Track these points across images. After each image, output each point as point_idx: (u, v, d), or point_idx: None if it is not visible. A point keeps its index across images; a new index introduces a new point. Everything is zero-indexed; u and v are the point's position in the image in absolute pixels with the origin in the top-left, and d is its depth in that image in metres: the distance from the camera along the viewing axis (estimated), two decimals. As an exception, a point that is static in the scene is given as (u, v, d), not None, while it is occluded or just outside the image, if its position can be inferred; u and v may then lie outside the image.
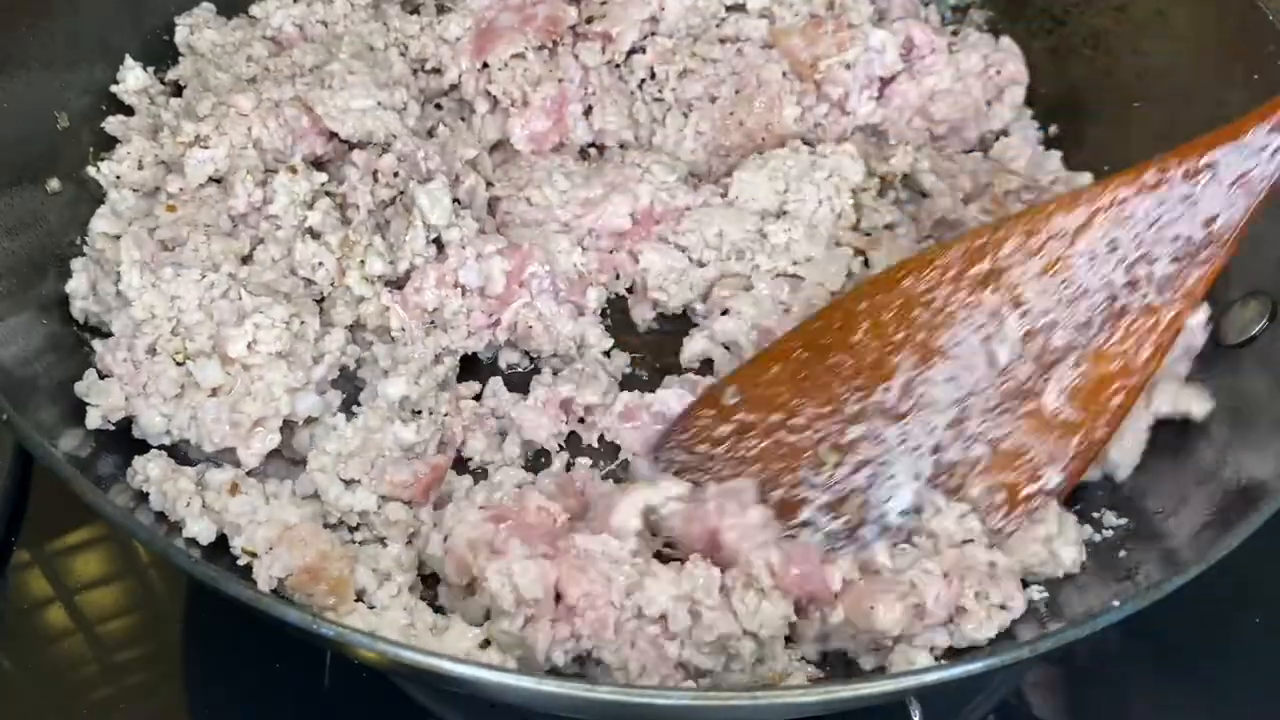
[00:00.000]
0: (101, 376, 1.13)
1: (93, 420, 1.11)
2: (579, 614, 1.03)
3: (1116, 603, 0.96)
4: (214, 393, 1.12)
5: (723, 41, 1.43)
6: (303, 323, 1.16)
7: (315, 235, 1.22)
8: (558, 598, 1.04)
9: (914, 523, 1.14)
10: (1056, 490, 1.14)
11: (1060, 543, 1.11)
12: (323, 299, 1.23)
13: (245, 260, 1.21)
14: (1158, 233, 1.11)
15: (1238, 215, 1.10)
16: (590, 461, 1.25)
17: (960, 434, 1.15)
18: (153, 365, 1.12)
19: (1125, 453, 1.18)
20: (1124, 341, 1.13)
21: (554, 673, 1.04)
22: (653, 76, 1.44)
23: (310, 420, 1.17)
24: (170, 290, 1.14)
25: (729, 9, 1.45)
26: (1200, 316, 1.19)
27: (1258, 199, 1.09)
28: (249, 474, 1.13)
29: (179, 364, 1.13)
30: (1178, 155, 1.11)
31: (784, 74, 1.42)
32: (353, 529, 1.15)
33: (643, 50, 1.43)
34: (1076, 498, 1.18)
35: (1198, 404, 1.17)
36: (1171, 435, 1.18)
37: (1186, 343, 1.20)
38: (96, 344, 1.16)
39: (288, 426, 1.15)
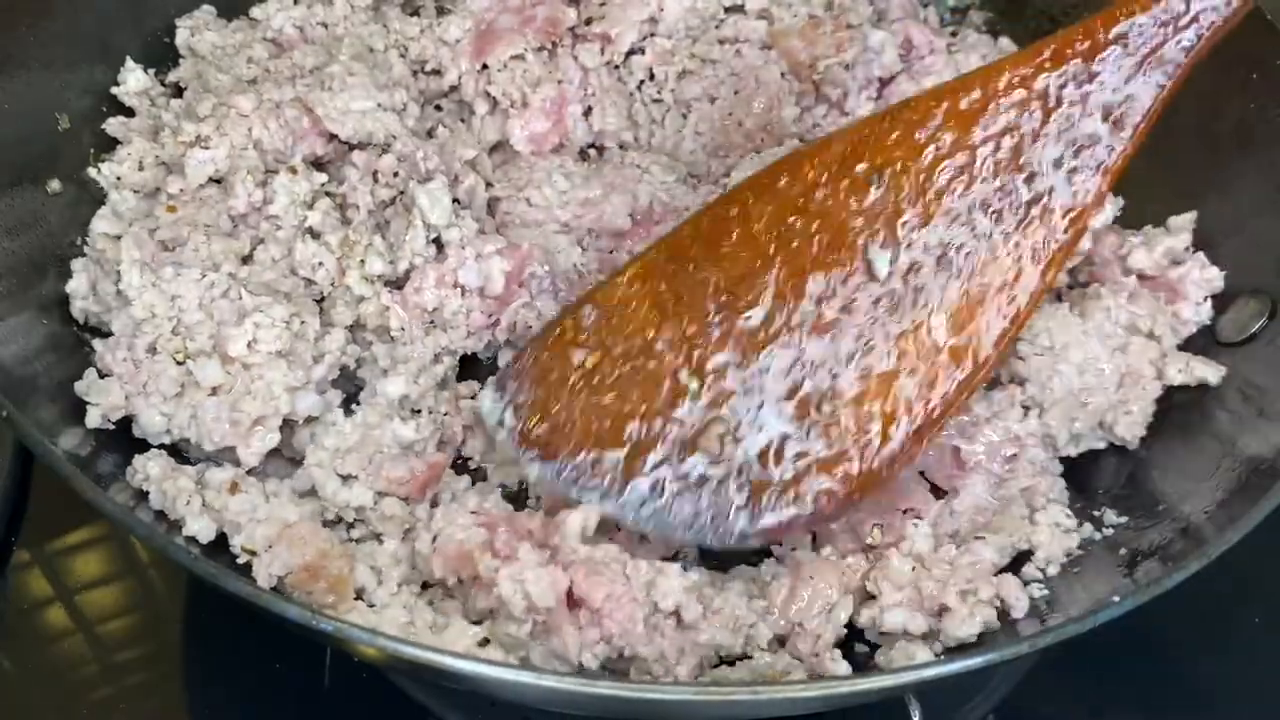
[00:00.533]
0: (101, 375, 1.13)
1: (93, 419, 1.11)
2: (606, 615, 1.03)
3: (1116, 598, 0.96)
4: (214, 392, 1.12)
5: (721, 42, 1.44)
6: (303, 322, 1.16)
7: (315, 235, 1.22)
8: (572, 604, 1.04)
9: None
10: (930, 420, 1.04)
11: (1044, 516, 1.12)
12: (323, 299, 1.23)
13: (245, 260, 1.21)
14: (1059, 119, 1.02)
15: (1149, 96, 1.00)
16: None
17: (833, 356, 1.05)
18: (153, 364, 1.13)
19: (1133, 423, 1.18)
20: (1019, 248, 1.03)
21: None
22: (651, 77, 1.44)
23: (310, 419, 1.17)
24: (170, 289, 1.15)
25: (727, 10, 1.45)
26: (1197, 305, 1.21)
27: (1172, 79, 1.00)
28: (249, 473, 1.13)
29: (179, 363, 1.13)
30: (1082, 28, 1.00)
31: (783, 74, 1.42)
32: (349, 525, 1.15)
33: (642, 51, 1.43)
34: (1079, 494, 1.19)
35: (1212, 371, 1.17)
36: (1182, 412, 1.19)
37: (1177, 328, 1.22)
38: (96, 343, 1.16)
39: (287, 426, 1.15)
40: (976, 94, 1.02)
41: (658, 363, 1.08)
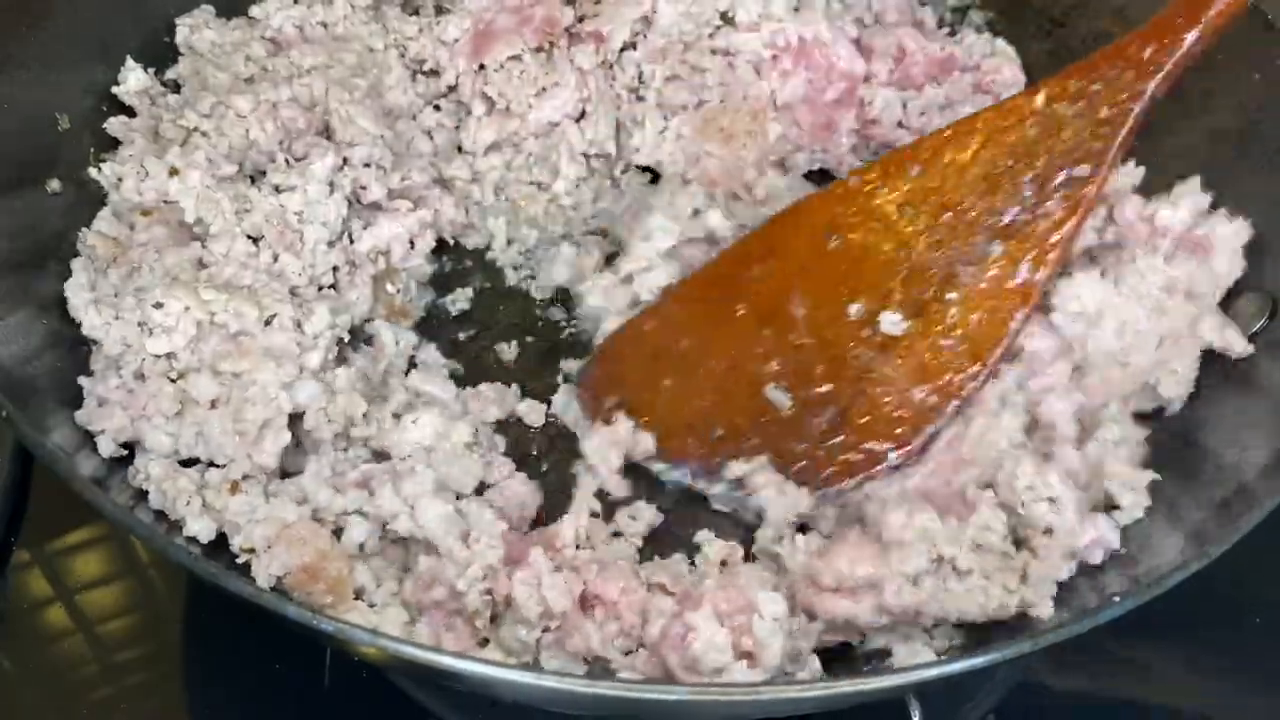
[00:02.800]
0: (100, 404, 1.10)
1: (105, 448, 1.09)
2: (625, 608, 1.04)
3: (1117, 598, 0.96)
4: (213, 405, 1.10)
5: (714, 53, 1.42)
6: (275, 315, 1.14)
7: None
8: (584, 605, 1.04)
9: None
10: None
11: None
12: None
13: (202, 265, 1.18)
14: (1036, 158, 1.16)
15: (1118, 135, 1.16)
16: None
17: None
18: (147, 387, 1.10)
19: (1178, 381, 1.17)
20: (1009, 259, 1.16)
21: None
22: (641, 79, 1.43)
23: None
24: (135, 318, 1.12)
25: (723, 21, 1.44)
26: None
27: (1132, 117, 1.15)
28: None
29: (173, 381, 1.11)
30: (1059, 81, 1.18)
31: (772, 92, 1.42)
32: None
33: (634, 47, 1.42)
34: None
35: (1238, 343, 1.16)
36: (1224, 370, 1.18)
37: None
38: (83, 381, 1.12)
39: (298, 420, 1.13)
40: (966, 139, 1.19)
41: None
